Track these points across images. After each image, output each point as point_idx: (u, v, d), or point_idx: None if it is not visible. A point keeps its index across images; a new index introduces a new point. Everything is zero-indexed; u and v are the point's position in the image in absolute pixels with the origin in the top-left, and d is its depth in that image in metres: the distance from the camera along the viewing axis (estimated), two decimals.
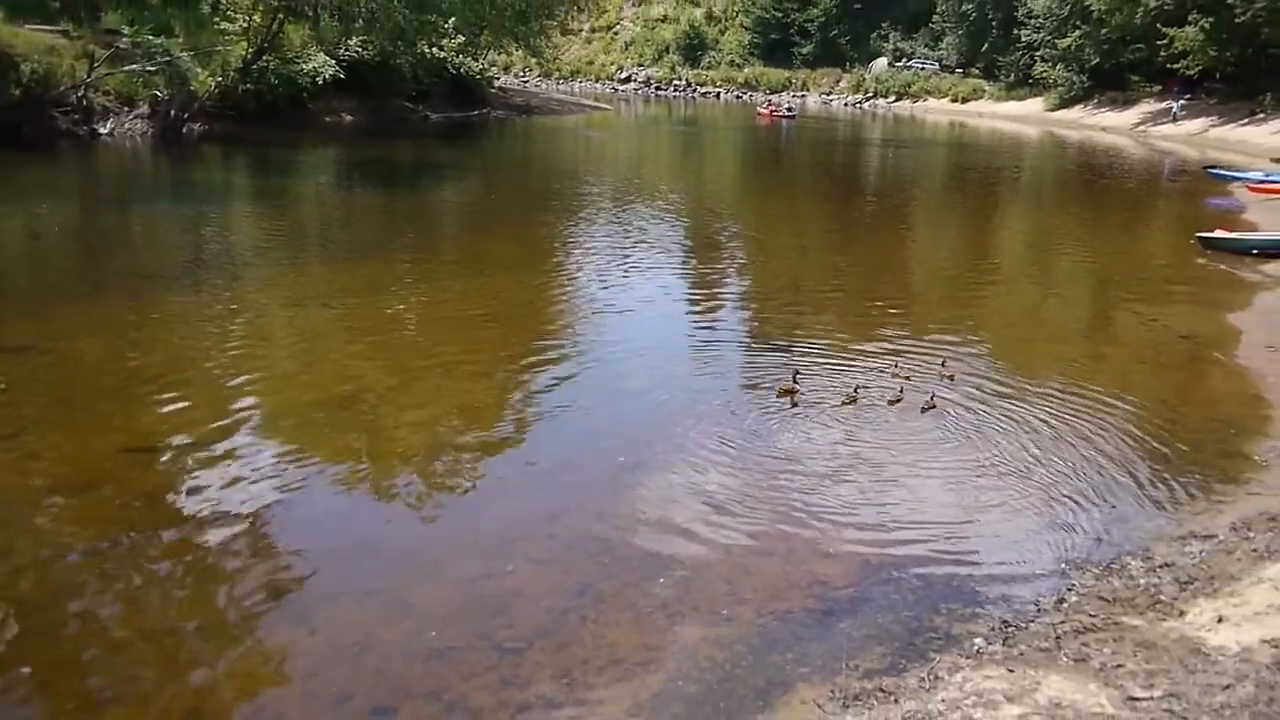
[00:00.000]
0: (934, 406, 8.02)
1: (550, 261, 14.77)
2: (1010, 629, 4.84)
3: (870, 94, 74.51)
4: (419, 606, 5.06)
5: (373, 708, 4.23)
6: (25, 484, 6.17)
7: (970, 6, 67.86)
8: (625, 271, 13.54)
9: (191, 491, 6.18)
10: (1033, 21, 57.84)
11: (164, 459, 6.68)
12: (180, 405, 7.66)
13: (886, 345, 9.72)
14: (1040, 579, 5.44)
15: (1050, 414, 7.92)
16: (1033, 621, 4.90)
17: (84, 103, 25.53)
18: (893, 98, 72.87)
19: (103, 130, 25.58)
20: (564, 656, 4.61)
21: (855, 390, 8.16)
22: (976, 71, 70.14)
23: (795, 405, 8.01)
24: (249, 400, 7.92)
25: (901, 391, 8.26)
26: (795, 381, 8.33)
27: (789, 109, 57.20)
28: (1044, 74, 58.26)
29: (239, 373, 8.61)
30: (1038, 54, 58.57)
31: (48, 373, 8.35)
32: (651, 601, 5.12)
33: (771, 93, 74.33)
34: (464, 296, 12.07)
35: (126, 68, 26.72)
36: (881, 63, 77.34)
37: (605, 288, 12.55)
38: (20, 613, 4.84)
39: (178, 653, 4.63)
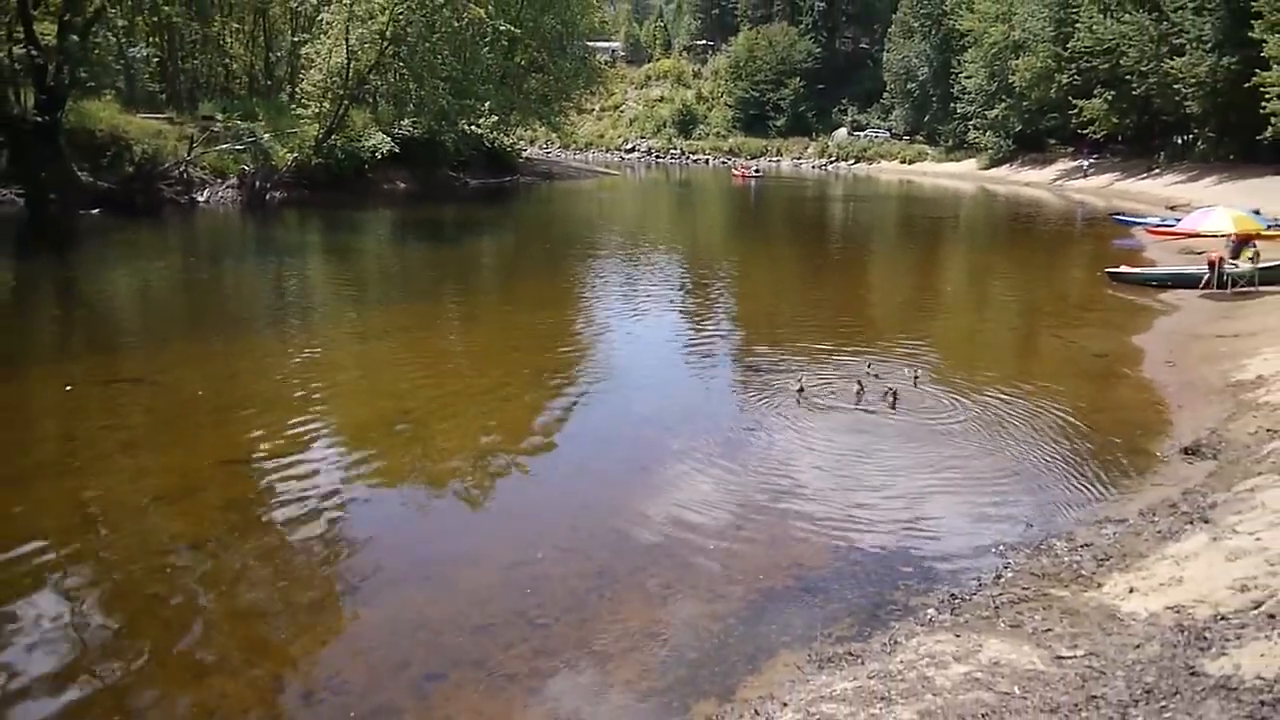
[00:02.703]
0: (896, 397, 8.20)
1: (571, 300, 14.78)
2: (956, 600, 4.80)
3: (833, 158, 74.71)
4: (463, 588, 5.05)
5: (426, 674, 4.21)
6: (138, 491, 6.16)
7: (914, 85, 68.17)
8: (633, 307, 13.55)
9: (274, 495, 6.17)
10: (966, 96, 58.03)
11: (252, 469, 6.67)
12: (265, 424, 7.66)
13: (850, 360, 9.69)
14: (980, 558, 5.41)
15: (987, 418, 7.89)
16: (975, 594, 4.86)
17: (185, 176, 25.69)
18: (852, 160, 73.08)
19: (200, 198, 25.72)
20: (585, 629, 4.59)
21: (825, 394, 8.18)
22: (921, 138, 70.35)
23: (800, 404, 8.12)
24: (320, 419, 7.93)
25: (859, 394, 8.37)
26: (802, 387, 8.49)
27: (756, 171, 57.94)
28: (976, 139, 58.44)
29: (312, 396, 8.63)
30: (971, 123, 58.78)
31: (156, 399, 8.35)
32: (657, 582, 5.09)
33: (751, 158, 74.48)
34: (500, 330, 12.08)
35: (219, 147, 26.93)
36: (842, 132, 77.67)
37: (617, 320, 12.58)
38: (135, 596, 4.83)
39: (264, 629, 4.61)
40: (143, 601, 4.79)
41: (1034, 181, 50.07)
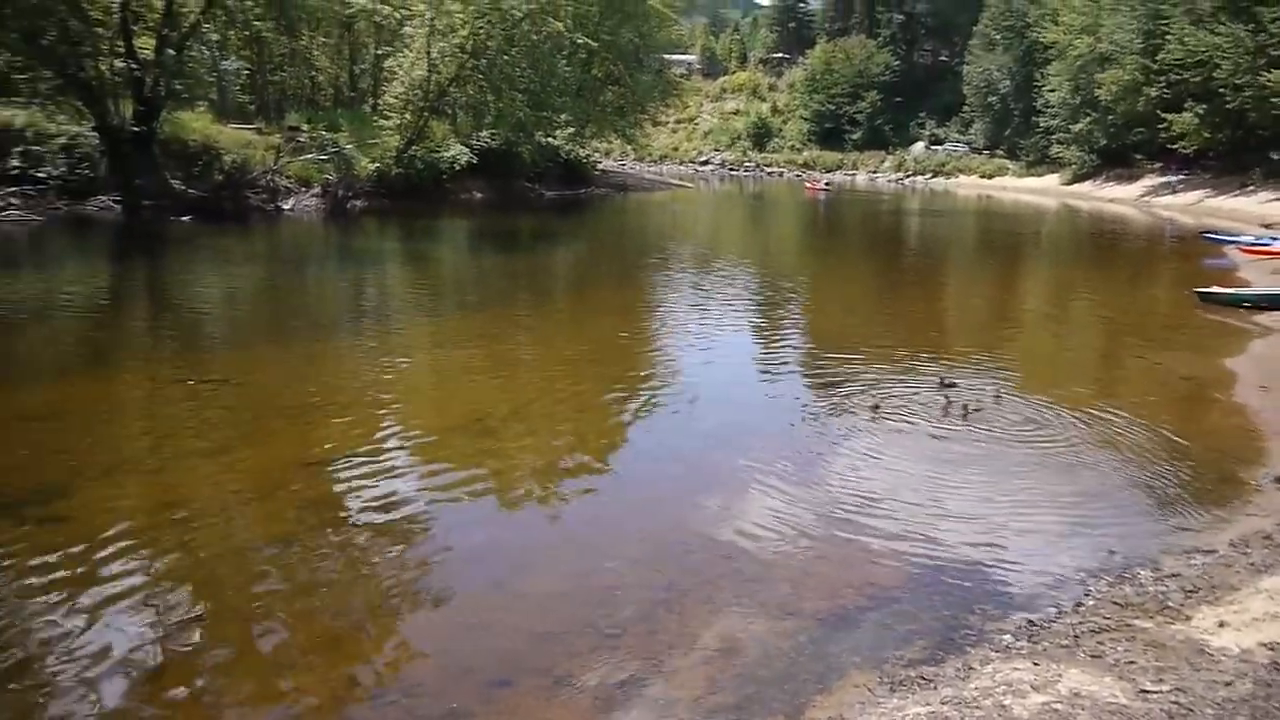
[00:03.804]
0: (974, 414, 8.07)
1: (644, 311, 14.81)
2: (1035, 628, 4.66)
3: (910, 172, 73.57)
4: (532, 596, 5.07)
5: (495, 679, 4.23)
6: (222, 490, 6.33)
7: (995, 98, 66.84)
8: (705, 319, 13.52)
9: (351, 497, 6.29)
10: (1049, 110, 56.69)
11: (330, 470, 6.80)
12: (343, 427, 7.82)
13: (927, 378, 9.51)
14: (1060, 585, 5.24)
15: (1069, 439, 7.66)
16: (1054, 622, 4.72)
17: (271, 185, 26.43)
18: (929, 175, 71.77)
19: (285, 206, 26.42)
20: (653, 642, 4.57)
21: (902, 411, 8.06)
22: (1001, 152, 68.79)
23: (875, 422, 8.01)
24: (397, 423, 8.06)
25: (944, 410, 8.22)
26: (877, 404, 8.38)
27: (827, 185, 57.56)
28: (1059, 154, 56.91)
29: (389, 401, 8.79)
30: (1053, 137, 57.31)
31: (240, 400, 8.58)
32: (727, 597, 5.04)
33: (825, 172, 73.88)
34: (572, 340, 12.16)
35: (304, 157, 27.67)
36: (919, 146, 76.53)
37: (689, 332, 12.55)
38: (217, 591, 4.95)
39: (339, 628, 4.68)
40: (224, 596, 4.92)
41: (1119, 198, 48.61)
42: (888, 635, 4.69)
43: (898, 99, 78.63)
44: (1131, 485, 6.78)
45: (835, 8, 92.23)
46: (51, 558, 5.13)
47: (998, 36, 65.98)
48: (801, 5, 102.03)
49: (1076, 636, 4.41)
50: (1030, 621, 4.75)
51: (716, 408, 8.90)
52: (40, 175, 22.30)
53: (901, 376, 9.71)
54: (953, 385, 9.03)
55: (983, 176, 67.28)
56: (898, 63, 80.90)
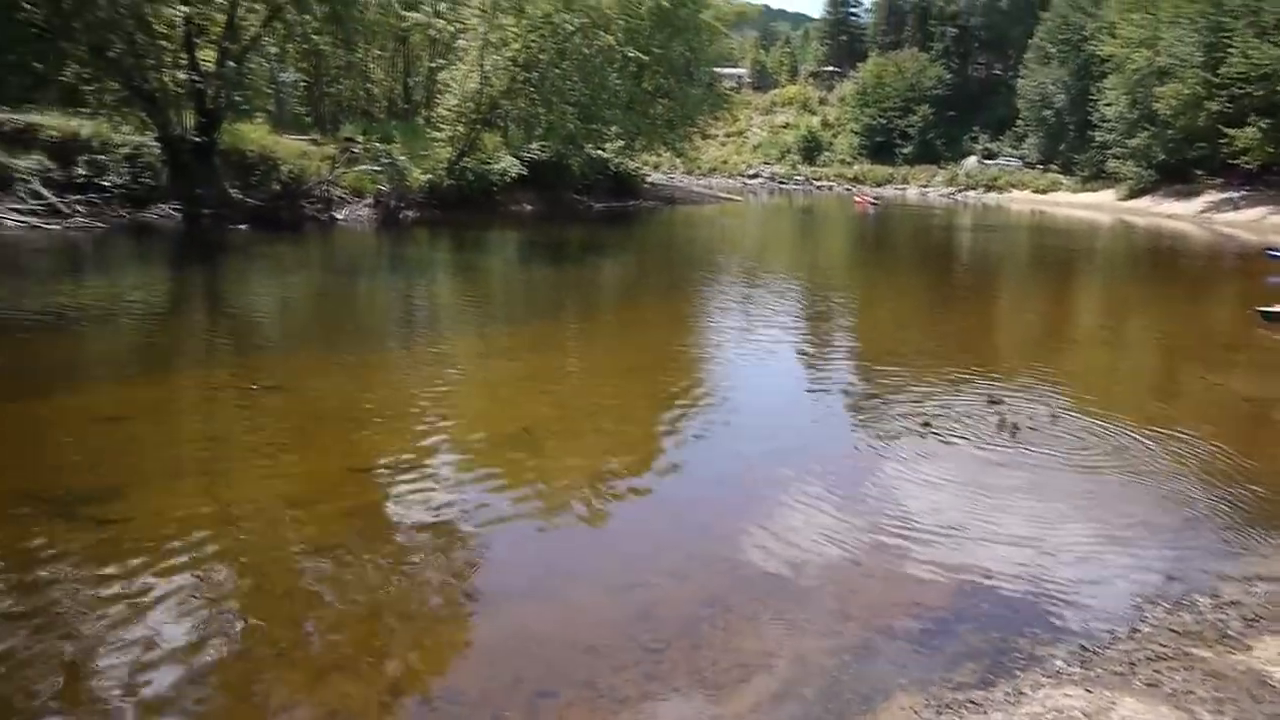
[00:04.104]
0: (1017, 430, 7.96)
1: (691, 323, 14.78)
2: (1088, 653, 4.55)
3: (962, 186, 72.65)
4: (577, 607, 5.06)
5: (539, 690, 4.23)
6: (271, 495, 6.41)
7: (1050, 112, 65.87)
8: (752, 332, 13.46)
9: (399, 505, 6.34)
10: (1105, 124, 55.71)
11: (379, 478, 6.87)
12: (391, 434, 7.90)
13: (979, 394, 9.36)
14: (1115, 609, 5.11)
15: (1125, 460, 7.49)
16: (1109, 648, 4.60)
17: (326, 194, 26.88)
18: (981, 189, 70.76)
19: (339, 216, 26.84)
20: (697, 657, 4.54)
21: (952, 429, 7.94)
22: (1055, 167, 67.68)
23: (925, 439, 7.89)
24: (445, 432, 8.12)
25: (999, 429, 8.09)
26: (927, 421, 8.28)
27: (875, 198, 57.23)
28: (1115, 169, 55.84)
29: (437, 410, 8.85)
30: (1110, 152, 56.30)
31: (290, 407, 8.70)
32: (771, 614, 4.99)
33: (876, 186, 73.28)
34: (619, 351, 12.17)
35: (358, 168, 28.11)
36: (971, 160, 75.63)
37: (736, 345, 12.50)
38: (266, 595, 5.02)
39: (386, 635, 4.71)
40: (273, 600, 4.98)
41: (1178, 214, 47.55)
42: (935, 657, 4.61)
43: (950, 113, 77.92)
44: (1190, 509, 6.60)
45: (887, 21, 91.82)
46: (107, 557, 5.24)
47: (1053, 50, 65.09)
48: (853, 18, 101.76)
49: (1132, 664, 4.30)
50: (1083, 647, 4.64)
51: (763, 421, 8.85)
52: (105, 184, 22.91)
53: (952, 393, 9.58)
54: (999, 402, 8.91)
55: (1036, 191, 66.20)
56: (950, 76, 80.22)
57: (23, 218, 20.92)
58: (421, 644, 4.64)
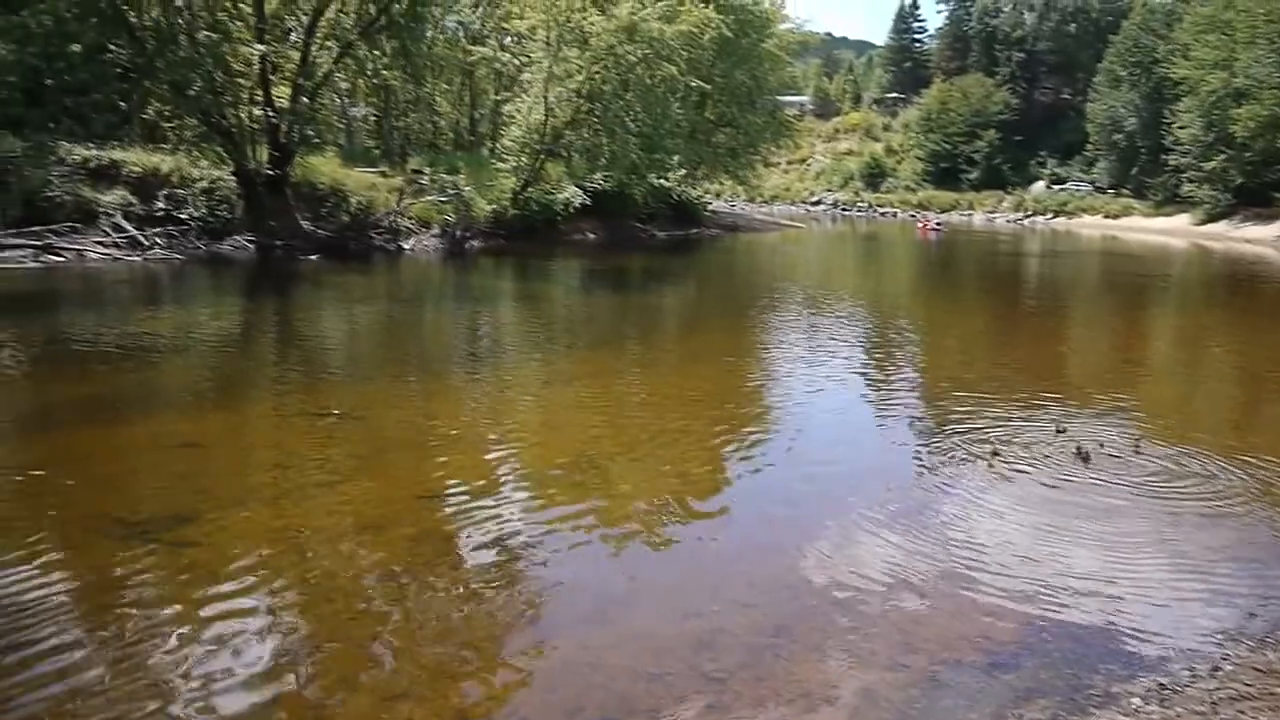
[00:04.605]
0: (1090, 458, 7.79)
1: (753, 351, 14.73)
2: (1166, 692, 4.39)
3: (1030, 212, 71.41)
4: (639, 635, 5.04)
5: (600, 718, 4.21)
6: (340, 521, 6.52)
7: (1121, 136, 64.64)
8: (815, 360, 13.35)
9: (463, 531, 6.40)
10: (1179, 147, 54.45)
11: (445, 504, 6.94)
12: (455, 462, 7.99)
13: (1048, 422, 9.13)
14: (1195, 647, 4.92)
15: (1204, 491, 7.24)
16: (1188, 686, 4.43)
17: (394, 225, 27.48)
18: (1049, 215, 69.47)
19: (406, 246, 27.39)
20: (760, 688, 4.48)
21: (1022, 457, 7.77)
22: (1126, 191, 66.30)
23: (993, 468, 7.75)
24: (509, 459, 8.20)
25: (1079, 455, 7.93)
26: (995, 450, 8.12)
27: (938, 224, 56.74)
28: (1190, 193, 54.52)
29: (502, 437, 8.95)
30: (1184, 175, 54.96)
31: (358, 434, 8.85)
32: (836, 645, 4.92)
33: (941, 212, 72.35)
34: (681, 379, 12.17)
35: (425, 199, 28.70)
36: (1039, 185, 74.43)
37: (798, 373, 12.41)
38: (333, 619, 5.08)
39: (449, 660, 4.74)
40: (341, 624, 5.04)
41: (1256, 238, 46.09)
42: (1005, 693, 4.49)
43: (1017, 138, 76.87)
44: (1275, 541, 6.35)
45: (952, 46, 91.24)
46: (182, 580, 5.37)
47: (1124, 73, 63.98)
48: (917, 45, 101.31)
49: (1213, 703, 4.14)
50: (1161, 685, 4.48)
51: (826, 450, 8.77)
52: (183, 217, 23.77)
53: (1021, 421, 9.36)
54: (1064, 430, 8.71)
55: (1107, 216, 64.86)
56: (1017, 101, 79.27)
57: (105, 250, 21.75)
58: (486, 670, 4.66)
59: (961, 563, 5.93)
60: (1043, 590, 5.56)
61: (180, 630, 4.83)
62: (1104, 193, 68.85)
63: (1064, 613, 5.29)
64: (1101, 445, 8.27)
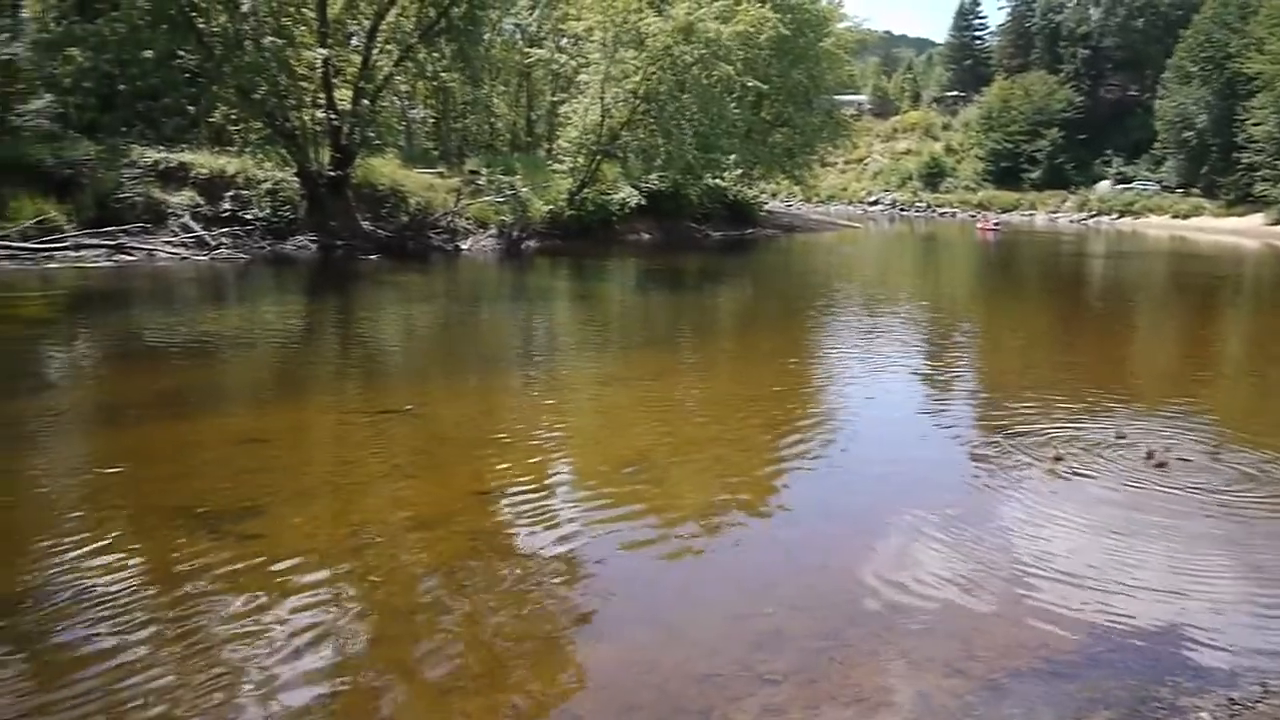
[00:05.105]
0: (1175, 463, 7.60)
1: (808, 352, 14.63)
2: (1237, 706, 4.27)
3: (1094, 212, 69.73)
4: (692, 636, 5.03)
5: (655, 718, 4.22)
6: (398, 516, 6.62)
7: (1191, 134, 62.84)
8: (871, 362, 13.22)
9: (518, 529, 6.45)
10: (1253, 145, 52.81)
11: (500, 502, 7.01)
12: (511, 460, 8.05)
13: (1113, 427, 8.91)
14: (1268, 662, 4.76)
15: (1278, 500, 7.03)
16: (1260, 702, 4.31)
17: (451, 226, 27.79)
18: (1114, 215, 67.75)
19: (464, 246, 27.67)
20: (814, 691, 4.45)
21: (1086, 463, 7.61)
22: (1196, 191, 64.44)
23: (1055, 474, 7.59)
24: (564, 458, 8.27)
25: (1151, 459, 7.74)
26: (1058, 455, 7.94)
27: (996, 224, 55.84)
28: (1264, 192, 52.83)
29: (557, 436, 9.02)
30: (1258, 174, 53.29)
31: (417, 431, 8.98)
32: (892, 650, 4.86)
33: (1002, 212, 71.08)
34: (736, 380, 12.14)
35: (482, 199, 28.96)
36: (1104, 185, 72.59)
37: (854, 375, 12.29)
38: (389, 613, 5.16)
39: (502, 657, 4.78)
40: (395, 618, 5.12)
41: None
42: (1067, 702, 4.40)
43: (1081, 136, 75.04)
44: None
45: (1014, 43, 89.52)
46: (247, 571, 5.49)
47: (1194, 69, 62.18)
48: (978, 42, 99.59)
49: None
50: (1231, 700, 4.36)
51: (884, 452, 8.69)
52: (247, 217, 24.33)
53: (1087, 425, 9.16)
54: (1124, 436, 8.49)
55: (1175, 216, 63.06)
56: (1081, 98, 77.40)
57: (174, 249, 22.34)
58: (539, 668, 4.69)
59: (1023, 569, 5.82)
60: (1108, 599, 5.44)
61: (245, 620, 4.94)
62: (1172, 192, 66.93)
63: (1130, 623, 5.17)
64: (1169, 449, 8.06)
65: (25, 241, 20.26)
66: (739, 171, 41.01)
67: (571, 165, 33.03)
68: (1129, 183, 71.41)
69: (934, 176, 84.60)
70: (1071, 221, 68.67)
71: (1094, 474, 7.60)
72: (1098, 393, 10.96)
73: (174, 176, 23.97)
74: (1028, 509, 6.89)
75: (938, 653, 4.84)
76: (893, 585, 5.59)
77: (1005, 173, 78.80)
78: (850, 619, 5.21)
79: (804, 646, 4.87)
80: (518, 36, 44.55)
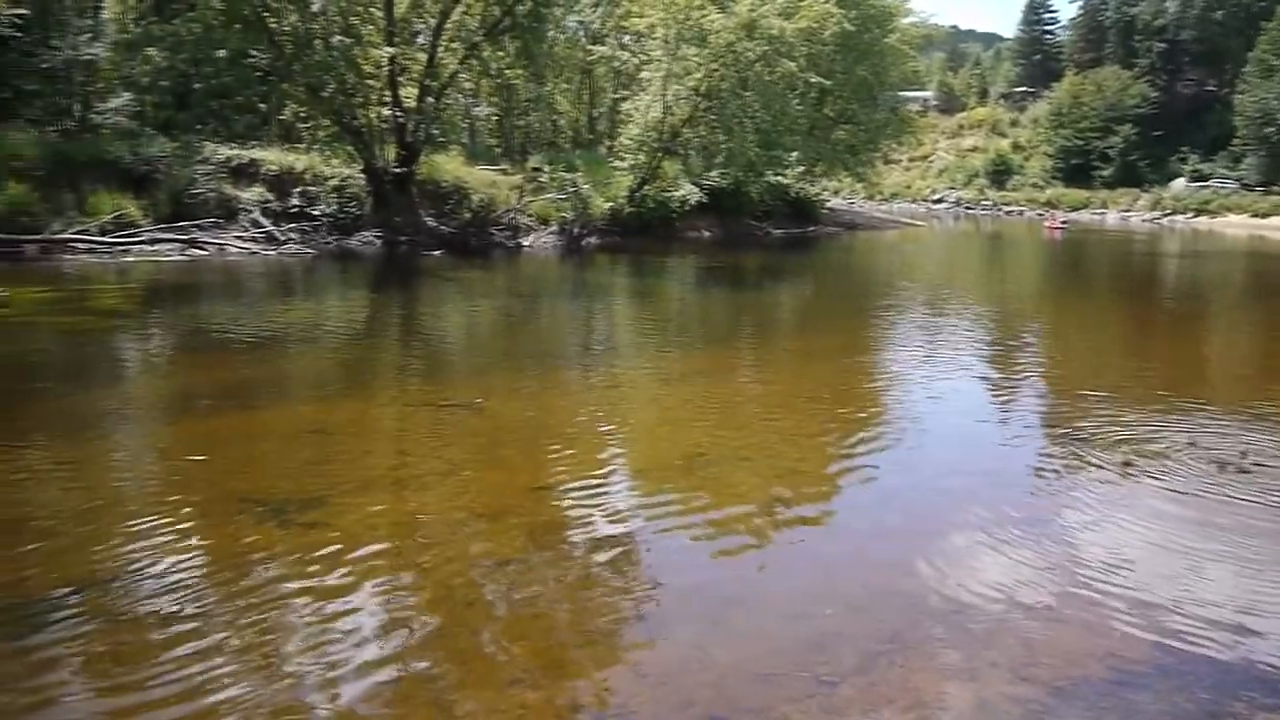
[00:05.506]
0: (1248, 471, 7.30)
1: (870, 351, 14.46)
2: None
3: (1168, 211, 67.66)
4: (749, 635, 4.99)
5: (711, 715, 4.19)
6: (456, 509, 6.68)
7: (1273, 130, 60.69)
8: (934, 362, 13.02)
9: (576, 523, 6.47)
10: None
11: (557, 496, 7.04)
12: (570, 455, 8.10)
13: (1188, 432, 8.64)
14: None
15: None
16: None
17: (513, 222, 28.01)
18: (1190, 214, 65.62)
19: (525, 243, 27.89)
20: (873, 694, 4.38)
21: (1158, 468, 7.39)
22: (1278, 189, 62.18)
23: (1125, 479, 7.38)
24: (622, 454, 8.28)
25: (1228, 466, 7.50)
26: (1128, 460, 7.72)
27: (1062, 222, 54.69)
28: None
29: (615, 432, 9.04)
30: None
31: (476, 425, 9.05)
32: (953, 655, 4.77)
33: (1071, 211, 69.37)
34: (796, 378, 12.03)
35: (544, 196, 29.13)
36: (1179, 183, 70.34)
37: (917, 375, 12.11)
38: (450, 603, 5.20)
39: (560, 649, 4.80)
40: (456, 608, 5.17)
41: None
42: (1134, 714, 4.26)
43: (1155, 132, 72.84)
44: None
45: (1086, 38, 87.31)
46: (311, 559, 5.59)
47: (1277, 62, 60.04)
48: (1048, 36, 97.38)
49: None
50: None
51: (947, 453, 8.54)
52: (315, 213, 24.84)
53: (1159, 429, 8.89)
54: (1194, 443, 8.21)
55: (1255, 215, 60.91)
56: (1156, 94, 75.14)
57: (244, 244, 22.90)
58: (597, 661, 4.70)
59: (1090, 577, 5.66)
60: (1179, 610, 5.26)
61: (307, 608, 5.03)
62: (1252, 190, 64.66)
63: (1203, 635, 4.99)
64: (1245, 456, 7.79)
65: (104, 235, 20.93)
66: (801, 169, 40.65)
67: (632, 162, 33.04)
68: (1205, 181, 69.13)
69: (1000, 174, 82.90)
70: (1144, 221, 66.70)
71: (1166, 480, 7.37)
72: (1171, 396, 10.65)
73: (245, 173, 24.58)
74: (1095, 515, 6.71)
75: (1001, 658, 4.74)
76: (955, 588, 5.49)
77: (1075, 170, 76.88)
78: (911, 622, 5.12)
79: (862, 649, 4.80)
80: (581, 34, 44.75)
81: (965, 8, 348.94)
